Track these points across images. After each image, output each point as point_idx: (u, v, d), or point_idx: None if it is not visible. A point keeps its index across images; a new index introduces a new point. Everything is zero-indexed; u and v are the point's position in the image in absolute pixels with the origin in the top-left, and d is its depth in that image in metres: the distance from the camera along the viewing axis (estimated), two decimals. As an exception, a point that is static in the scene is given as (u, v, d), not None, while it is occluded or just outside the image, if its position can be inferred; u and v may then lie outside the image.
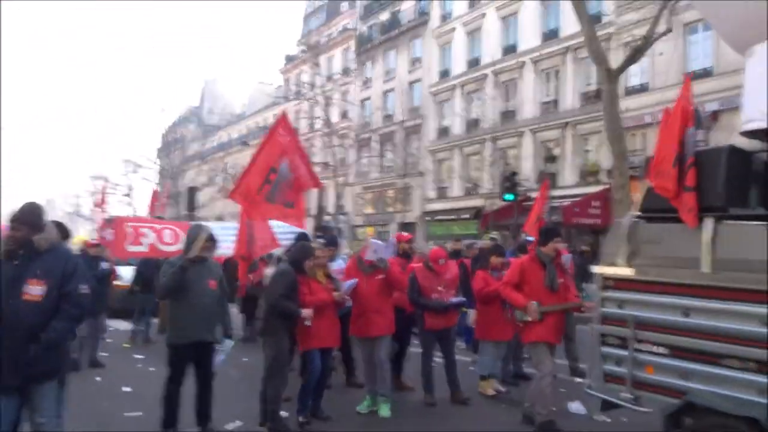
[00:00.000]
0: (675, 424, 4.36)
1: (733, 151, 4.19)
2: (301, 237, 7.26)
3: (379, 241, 6.09)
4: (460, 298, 6.78)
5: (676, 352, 4.30)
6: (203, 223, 7.98)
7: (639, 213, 4.70)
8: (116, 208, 42.24)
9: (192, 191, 23.86)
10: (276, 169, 6.39)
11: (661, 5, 15.32)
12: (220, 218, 44.73)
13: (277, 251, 8.81)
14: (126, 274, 12.42)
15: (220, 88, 61.84)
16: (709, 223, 4.13)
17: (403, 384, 7.22)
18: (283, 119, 6.90)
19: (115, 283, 12.44)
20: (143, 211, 44.49)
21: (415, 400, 6.76)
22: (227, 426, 5.79)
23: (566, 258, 7.89)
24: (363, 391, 6.68)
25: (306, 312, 5.60)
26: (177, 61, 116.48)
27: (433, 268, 6.67)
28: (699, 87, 19.49)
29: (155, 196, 19.08)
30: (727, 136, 15.16)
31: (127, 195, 51.85)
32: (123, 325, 12.34)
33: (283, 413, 5.71)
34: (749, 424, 3.75)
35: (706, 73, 19.98)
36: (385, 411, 6.17)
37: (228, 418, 5.98)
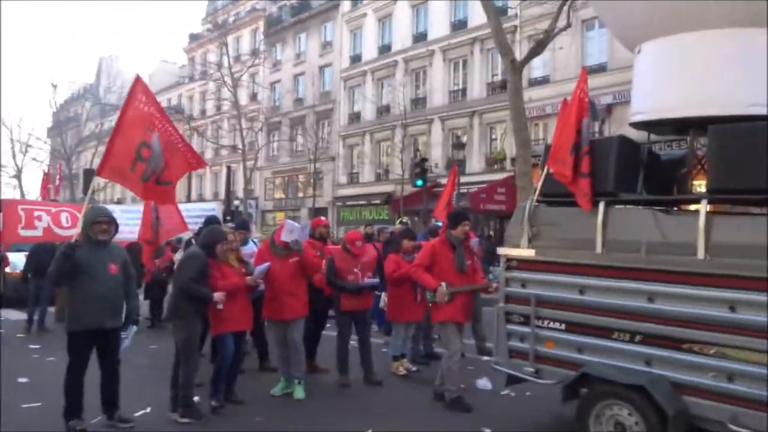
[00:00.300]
0: (572, 395, 4.74)
1: (623, 141, 4.56)
2: (211, 220, 7.13)
3: (295, 222, 6.08)
4: (374, 280, 6.91)
5: (573, 327, 4.66)
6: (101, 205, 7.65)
7: (539, 197, 5.00)
8: (3, 190, 39.25)
9: (88, 173, 22.50)
10: (148, 144, 5.77)
11: (563, 1, 16.12)
12: (120, 202, 42.58)
13: (185, 235, 8.62)
14: (18, 260, 11.66)
15: (119, 65, 58.54)
16: (601, 207, 4.48)
17: (317, 366, 7.29)
18: (138, 83, 6.08)
19: (7, 270, 11.66)
20: (33, 194, 41.62)
21: (329, 382, 6.86)
22: (136, 414, 5.63)
23: (474, 242, 8.23)
24: (277, 375, 6.71)
25: (218, 296, 5.53)
26: (69, 33, 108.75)
27: (351, 251, 6.76)
28: (594, 81, 20.63)
29: (47, 178, 17.89)
30: (619, 127, 16.26)
31: (16, 177, 48.26)
32: (15, 315, 11.59)
33: (195, 398, 5.63)
34: (637, 392, 4.14)
35: (601, 68, 21.21)
36: (299, 393, 6.23)
37: (137, 406, 5.81)
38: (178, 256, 7.72)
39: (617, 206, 4.52)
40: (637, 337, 4.29)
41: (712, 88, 4.34)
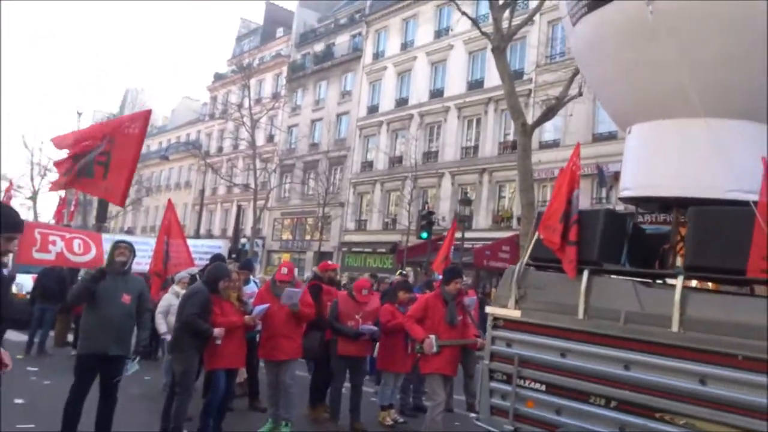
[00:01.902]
0: (548, 456, 4.85)
1: (609, 214, 4.81)
2: (217, 258, 7.39)
3: (293, 289, 6.33)
4: (372, 327, 7.08)
5: (553, 389, 4.79)
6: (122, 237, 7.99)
7: (528, 261, 5.23)
8: (18, 212, 39.73)
9: (104, 201, 22.98)
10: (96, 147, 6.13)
11: (575, 70, 16.67)
12: (129, 232, 43.05)
13: (191, 270, 8.86)
14: (24, 281, 11.93)
15: (143, 97, 60.15)
16: (585, 275, 4.70)
17: (321, 413, 7.33)
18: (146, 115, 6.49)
19: (19, 292, 11.94)
20: (46, 216, 42.12)
21: (317, 427, 6.96)
22: (125, 443, 5.78)
23: (471, 300, 8.42)
24: (266, 415, 6.83)
25: (217, 331, 5.74)
26: (99, 63, 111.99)
27: (356, 298, 6.98)
28: (604, 149, 21.14)
29: (63, 203, 18.31)
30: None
31: (31, 198, 49.03)
32: (16, 336, 11.77)
33: (183, 432, 5.77)
34: (610, 457, 4.26)
35: (611, 136, 21.66)
36: (285, 434, 6.35)
37: (126, 436, 5.95)
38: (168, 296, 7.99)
39: (600, 275, 4.73)
40: (613, 403, 4.43)
41: (693, 173, 4.61)
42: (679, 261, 5.24)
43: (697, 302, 4.15)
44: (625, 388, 4.35)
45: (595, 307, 4.62)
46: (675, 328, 4.13)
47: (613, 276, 4.80)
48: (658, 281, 4.89)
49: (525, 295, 5.08)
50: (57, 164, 6.75)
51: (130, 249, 5.55)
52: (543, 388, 4.86)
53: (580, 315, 4.66)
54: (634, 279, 4.58)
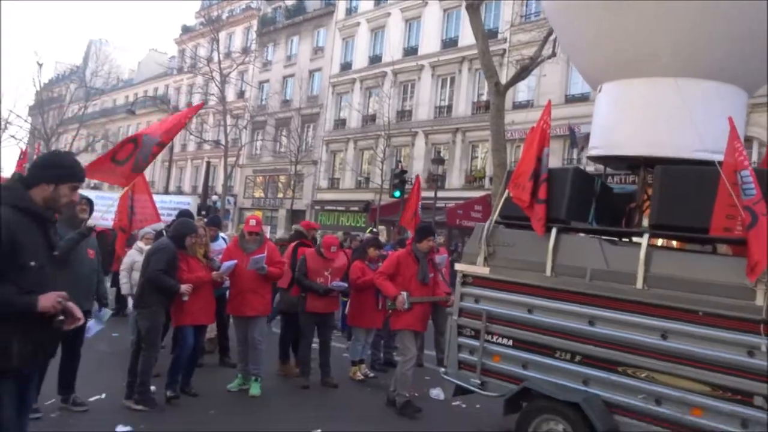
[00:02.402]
0: (513, 408, 4.97)
1: (578, 172, 4.83)
2: (184, 213, 7.26)
3: (257, 255, 6.26)
4: (342, 284, 7.10)
5: (519, 344, 4.89)
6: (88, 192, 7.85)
7: (497, 218, 5.25)
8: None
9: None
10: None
11: (549, 30, 16.54)
12: (96, 188, 42.10)
13: (156, 226, 8.70)
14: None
15: (108, 50, 58.13)
16: (553, 233, 4.74)
17: (291, 368, 7.37)
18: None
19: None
20: (9, 171, 40.91)
21: (288, 382, 7.01)
22: (91, 398, 5.73)
23: (442, 258, 8.48)
24: (235, 371, 6.85)
25: (184, 287, 5.68)
26: (61, 13, 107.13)
27: (324, 254, 6.96)
28: (576, 110, 21.21)
29: (24, 157, 17.74)
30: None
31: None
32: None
33: (151, 388, 5.74)
34: (572, 409, 4.38)
35: (584, 98, 21.72)
36: (255, 389, 6.37)
37: (92, 391, 5.91)
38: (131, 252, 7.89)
39: (568, 233, 4.77)
40: (577, 357, 4.54)
41: (661, 132, 4.63)
42: (645, 220, 5.34)
43: (661, 260, 4.23)
44: (589, 343, 4.46)
45: (562, 265, 4.68)
46: (639, 284, 4.21)
47: (580, 234, 4.85)
48: (624, 240, 4.96)
49: (494, 253, 5.12)
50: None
51: (90, 204, 5.45)
52: (510, 343, 4.95)
53: (548, 272, 4.72)
54: (601, 237, 4.63)
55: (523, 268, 4.92)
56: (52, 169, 2.92)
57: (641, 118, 4.77)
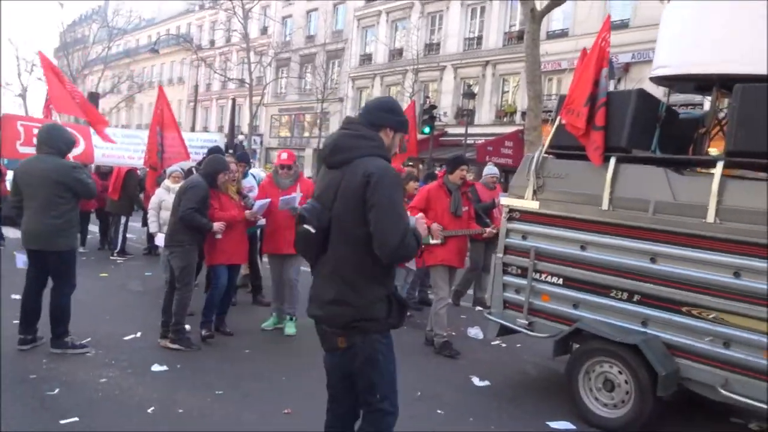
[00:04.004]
0: (563, 349, 4.72)
1: (642, 95, 4.36)
2: (215, 150, 6.98)
3: (288, 196, 5.95)
4: None
5: (570, 282, 4.58)
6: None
7: (548, 149, 4.84)
8: (9, 109, 38.83)
9: (93, 97, 22.19)
10: None
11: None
12: (125, 128, 42.14)
13: (184, 164, 8.49)
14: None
15: (129, -13, 57.00)
16: (612, 163, 4.33)
17: None
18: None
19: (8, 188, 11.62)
20: (38, 114, 41.23)
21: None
22: (126, 337, 5.66)
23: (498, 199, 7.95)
24: (269, 310, 6.71)
25: (217, 225, 5.47)
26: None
27: None
28: (615, 38, 19.94)
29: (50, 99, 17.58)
30: (636, 87, 15.82)
31: (21, 96, 47.78)
32: (14, 233, 11.61)
33: (186, 327, 5.63)
34: (629, 351, 4.09)
35: (623, 25, 20.55)
36: (290, 329, 6.23)
37: (128, 330, 5.84)
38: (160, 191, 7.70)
39: (629, 163, 4.36)
40: (635, 297, 4.22)
41: (742, 47, 4.09)
42: (712, 150, 4.88)
43: (736, 191, 3.82)
44: (650, 282, 4.13)
45: (621, 197, 4.30)
46: (710, 218, 3.82)
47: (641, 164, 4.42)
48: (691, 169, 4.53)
49: (544, 185, 4.75)
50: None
51: None
52: (560, 281, 4.64)
53: (605, 205, 4.35)
54: (666, 167, 4.20)
55: (576, 202, 4.55)
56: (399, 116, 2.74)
57: (717, 32, 4.22)
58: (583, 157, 4.53)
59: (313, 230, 2.53)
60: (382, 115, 2.68)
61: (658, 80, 4.71)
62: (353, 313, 2.52)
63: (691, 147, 4.69)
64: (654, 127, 4.50)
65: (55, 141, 5.04)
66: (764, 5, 4.04)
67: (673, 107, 4.89)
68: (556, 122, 4.77)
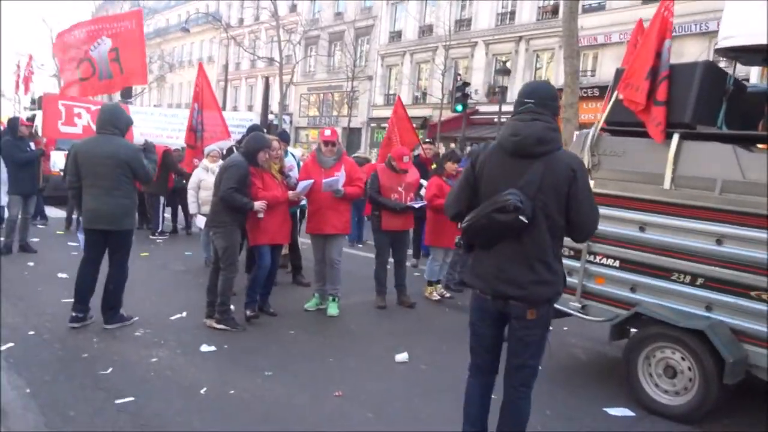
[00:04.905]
0: (620, 334, 4.56)
1: (709, 67, 4.13)
2: (255, 128, 6.91)
3: (330, 179, 5.86)
4: (421, 202, 6.74)
5: (627, 265, 4.41)
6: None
7: (603, 125, 4.65)
8: (43, 89, 39.35)
9: (127, 77, 22.29)
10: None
11: None
12: (157, 106, 42.46)
13: (222, 144, 8.47)
14: (58, 160, 11.78)
15: (158, -33, 57.07)
16: (675, 140, 4.13)
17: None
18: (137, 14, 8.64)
19: (52, 169, 11.86)
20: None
21: (365, 302, 6.80)
22: (172, 317, 5.68)
23: None
24: (309, 290, 6.67)
25: (258, 205, 5.40)
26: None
27: (397, 167, 6.56)
28: (650, 11, 19.44)
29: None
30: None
31: (55, 76, 48.40)
32: (56, 212, 11.81)
33: (230, 307, 5.62)
34: (693, 336, 3.93)
35: (663, -3, 19.84)
36: (333, 309, 6.19)
37: (173, 310, 5.86)
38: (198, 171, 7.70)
39: (692, 140, 4.15)
40: (699, 280, 4.04)
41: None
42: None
43: (813, 168, 3.59)
44: (716, 264, 3.95)
45: (684, 176, 4.11)
46: (784, 197, 3.62)
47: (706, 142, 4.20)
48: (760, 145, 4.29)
49: (599, 163, 4.57)
50: (63, 71, 8.77)
51: None
52: (616, 264, 4.48)
53: (667, 185, 4.17)
54: (735, 143, 3.99)
55: (634, 181, 4.37)
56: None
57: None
58: (642, 134, 4.34)
59: (526, 221, 2.73)
60: (554, 105, 2.92)
61: (724, 52, 4.47)
62: (552, 290, 2.90)
63: (761, 122, 4.45)
64: (720, 101, 4.28)
65: (118, 121, 5.11)
66: None
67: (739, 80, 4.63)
68: (613, 97, 4.57)
